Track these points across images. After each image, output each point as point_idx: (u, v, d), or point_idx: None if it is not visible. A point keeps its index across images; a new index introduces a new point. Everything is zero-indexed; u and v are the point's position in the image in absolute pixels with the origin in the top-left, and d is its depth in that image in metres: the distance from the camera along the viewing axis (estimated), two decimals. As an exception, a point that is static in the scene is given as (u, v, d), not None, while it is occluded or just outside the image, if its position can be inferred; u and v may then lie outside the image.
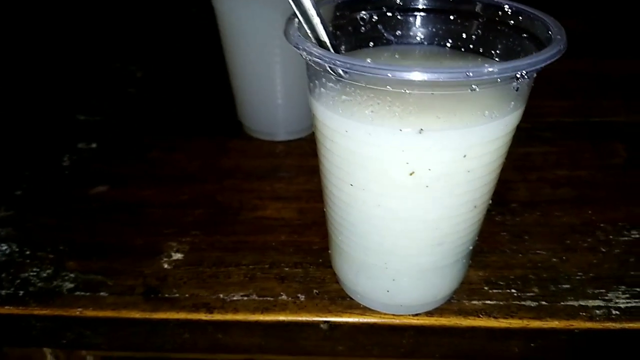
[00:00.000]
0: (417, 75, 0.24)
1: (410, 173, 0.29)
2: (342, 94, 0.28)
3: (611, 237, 0.43)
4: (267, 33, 0.50)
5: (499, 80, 0.25)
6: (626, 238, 0.43)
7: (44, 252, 0.43)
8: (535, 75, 0.29)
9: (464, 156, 0.28)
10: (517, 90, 0.27)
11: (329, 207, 0.35)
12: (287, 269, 0.41)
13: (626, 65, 0.71)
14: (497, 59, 0.34)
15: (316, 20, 0.30)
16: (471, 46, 0.35)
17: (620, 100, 0.63)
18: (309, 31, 0.30)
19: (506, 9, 0.33)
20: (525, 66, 0.25)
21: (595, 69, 0.71)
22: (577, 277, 0.40)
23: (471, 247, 0.35)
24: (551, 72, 0.69)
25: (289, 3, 0.29)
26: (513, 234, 0.44)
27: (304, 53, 0.27)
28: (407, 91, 0.26)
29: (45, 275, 0.41)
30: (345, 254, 0.36)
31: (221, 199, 0.49)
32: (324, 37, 0.30)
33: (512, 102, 0.28)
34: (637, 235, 0.44)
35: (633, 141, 0.56)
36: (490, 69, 0.24)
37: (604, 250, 0.42)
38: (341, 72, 0.27)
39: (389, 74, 0.24)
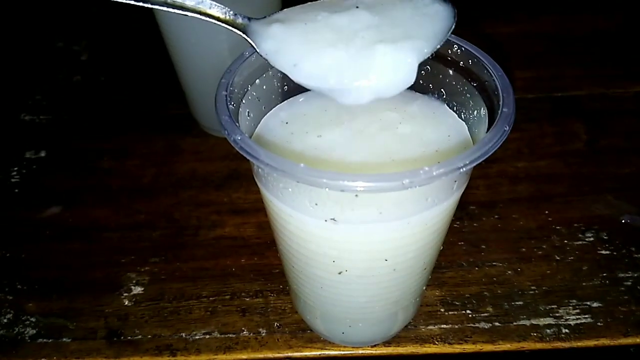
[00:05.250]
0: (351, 185, 0.23)
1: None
2: (280, 182, 0.27)
3: (566, 241, 0.44)
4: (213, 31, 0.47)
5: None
6: (580, 242, 0.44)
7: (2, 294, 0.42)
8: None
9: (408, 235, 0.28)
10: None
11: (289, 267, 0.34)
12: (247, 299, 0.41)
13: (588, 21, 0.69)
14: (444, 100, 0.33)
15: None
16: (421, 82, 0.33)
17: (582, 69, 0.62)
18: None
19: (455, 49, 0.31)
20: (460, 165, 0.23)
21: (558, 29, 0.68)
22: (530, 292, 0.41)
23: (424, 287, 0.36)
24: (515, 37, 0.67)
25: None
26: (471, 244, 0.45)
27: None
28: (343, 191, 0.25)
29: (6, 321, 0.41)
30: (305, 303, 0.36)
31: (178, 217, 0.48)
32: None
33: (455, 185, 0.27)
34: (592, 239, 0.44)
35: (593, 120, 0.55)
36: (425, 173, 0.23)
37: (558, 258, 0.43)
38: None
39: (324, 180, 0.23)
